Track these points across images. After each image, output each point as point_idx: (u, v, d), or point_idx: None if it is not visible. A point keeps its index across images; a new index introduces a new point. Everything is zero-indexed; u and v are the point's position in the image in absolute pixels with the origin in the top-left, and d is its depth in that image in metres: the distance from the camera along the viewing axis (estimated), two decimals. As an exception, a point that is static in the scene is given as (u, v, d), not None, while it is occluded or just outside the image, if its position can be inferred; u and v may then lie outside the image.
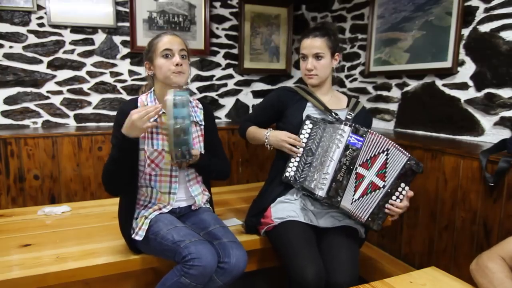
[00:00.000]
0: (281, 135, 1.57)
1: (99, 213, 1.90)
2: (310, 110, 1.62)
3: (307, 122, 1.55)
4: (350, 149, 1.43)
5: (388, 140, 1.42)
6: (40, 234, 1.63)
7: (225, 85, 3.02)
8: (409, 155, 1.39)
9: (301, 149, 1.54)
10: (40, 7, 2.41)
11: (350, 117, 1.58)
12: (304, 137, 1.55)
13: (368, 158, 1.44)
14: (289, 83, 3.22)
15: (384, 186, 1.41)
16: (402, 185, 1.40)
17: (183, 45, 1.45)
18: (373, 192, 1.42)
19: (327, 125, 1.52)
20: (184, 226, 1.42)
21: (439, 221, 1.82)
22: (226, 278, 1.30)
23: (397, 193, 1.40)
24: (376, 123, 2.67)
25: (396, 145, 1.42)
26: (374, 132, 1.44)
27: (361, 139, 1.44)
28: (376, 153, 1.43)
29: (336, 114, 1.57)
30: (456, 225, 1.75)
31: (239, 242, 1.40)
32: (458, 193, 1.73)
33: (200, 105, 1.59)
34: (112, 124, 1.99)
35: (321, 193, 1.45)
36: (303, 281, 1.27)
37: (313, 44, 1.56)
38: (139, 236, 1.39)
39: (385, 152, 1.42)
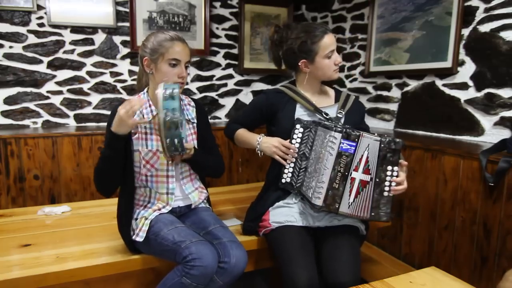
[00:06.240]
0: (273, 141, 1.53)
1: (99, 213, 1.90)
2: (300, 111, 1.59)
3: (298, 126, 1.53)
4: (343, 156, 1.38)
5: (372, 136, 1.38)
6: (40, 234, 1.63)
7: (225, 85, 3.02)
8: (381, 137, 1.34)
9: (295, 154, 1.53)
10: (40, 7, 2.41)
11: (341, 116, 1.55)
12: (296, 142, 1.53)
13: (358, 161, 1.39)
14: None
15: (371, 179, 1.38)
16: (389, 167, 1.36)
17: (189, 57, 1.45)
18: (364, 189, 1.39)
19: (318, 127, 1.48)
20: (184, 226, 1.42)
21: (439, 221, 1.82)
22: (227, 278, 1.30)
23: (388, 177, 1.37)
24: (376, 123, 2.67)
25: (372, 135, 1.37)
26: (366, 135, 1.38)
27: (354, 143, 1.37)
28: (362, 153, 1.38)
29: (327, 114, 1.54)
30: (456, 225, 1.75)
31: (239, 241, 1.40)
32: (458, 193, 1.73)
33: (192, 103, 1.58)
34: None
35: (318, 202, 1.41)
36: (294, 287, 1.27)
37: (334, 39, 1.54)
38: (139, 237, 1.39)
39: (367, 148, 1.38)
